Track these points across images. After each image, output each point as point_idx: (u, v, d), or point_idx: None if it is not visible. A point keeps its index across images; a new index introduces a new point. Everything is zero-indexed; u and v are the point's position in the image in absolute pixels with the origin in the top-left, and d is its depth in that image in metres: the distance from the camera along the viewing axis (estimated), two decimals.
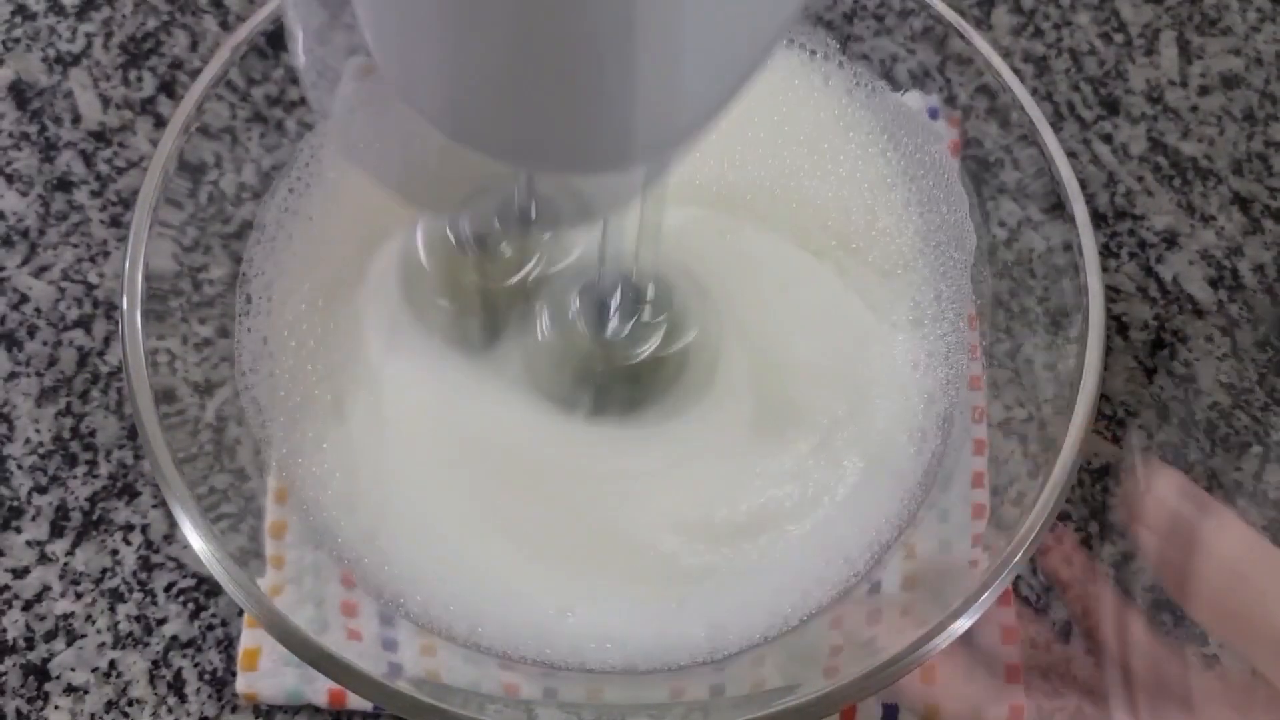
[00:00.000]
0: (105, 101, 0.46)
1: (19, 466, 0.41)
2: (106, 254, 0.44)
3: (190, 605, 0.39)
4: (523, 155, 0.26)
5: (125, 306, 0.36)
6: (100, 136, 0.45)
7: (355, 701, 0.37)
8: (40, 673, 0.38)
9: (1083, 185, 0.42)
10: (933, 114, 0.42)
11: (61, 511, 0.40)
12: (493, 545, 0.37)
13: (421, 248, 0.39)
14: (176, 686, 0.38)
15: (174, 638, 0.39)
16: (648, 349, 0.38)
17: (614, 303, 0.37)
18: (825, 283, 0.40)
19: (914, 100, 0.42)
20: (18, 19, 0.47)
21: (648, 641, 0.37)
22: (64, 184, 0.44)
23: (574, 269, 0.39)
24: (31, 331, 0.42)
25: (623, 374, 0.38)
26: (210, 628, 0.39)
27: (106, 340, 0.42)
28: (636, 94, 0.23)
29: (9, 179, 0.44)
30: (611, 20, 0.21)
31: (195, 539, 0.33)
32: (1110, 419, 0.44)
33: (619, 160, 0.25)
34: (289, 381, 0.39)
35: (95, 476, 0.41)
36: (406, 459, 0.38)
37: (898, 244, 0.41)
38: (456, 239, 0.39)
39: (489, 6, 0.21)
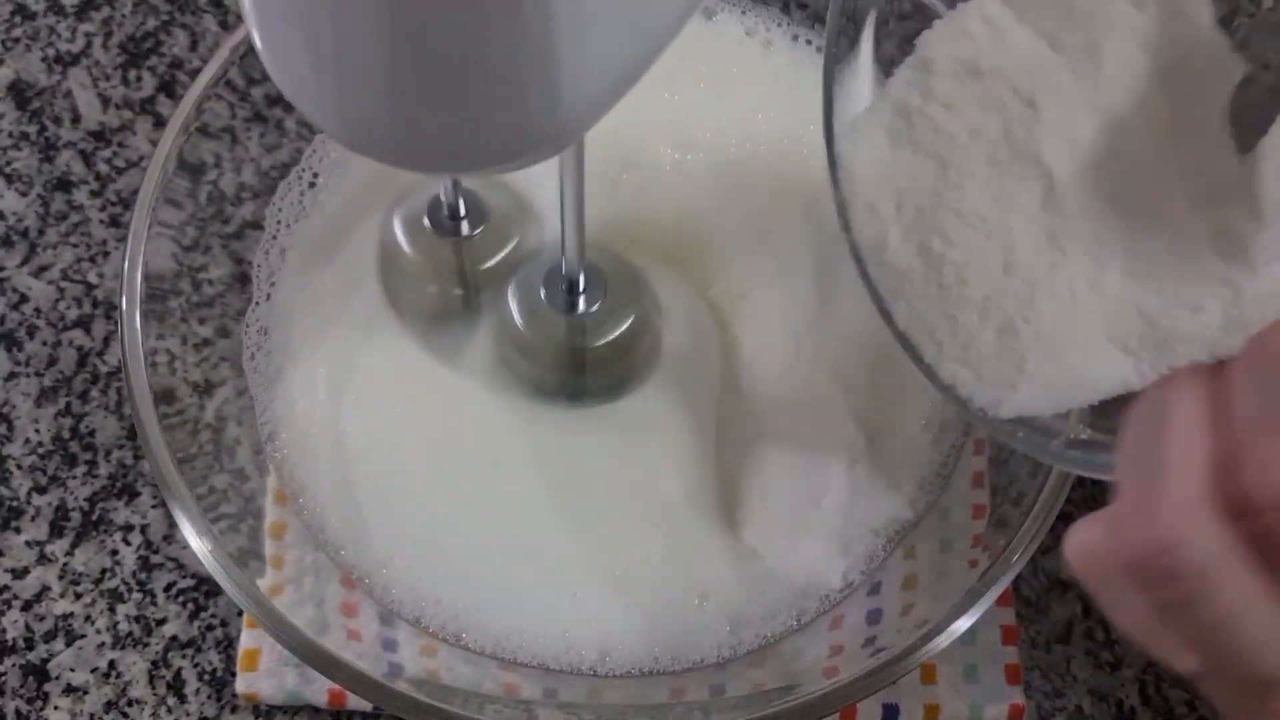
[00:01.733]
0: (105, 101, 0.46)
1: (19, 466, 0.41)
2: (106, 254, 0.43)
3: (190, 605, 0.39)
4: (421, 159, 0.25)
5: (125, 306, 0.36)
6: (100, 136, 0.45)
7: (355, 702, 0.37)
8: (40, 673, 0.38)
9: None
10: None
11: (61, 512, 0.40)
12: (500, 547, 0.37)
13: (400, 236, 0.40)
14: (176, 687, 0.38)
15: (174, 638, 0.39)
16: (616, 331, 0.38)
17: (580, 284, 0.37)
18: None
19: None
20: (17, 19, 0.47)
21: (671, 641, 0.37)
22: (64, 184, 0.44)
23: (548, 254, 0.39)
24: (31, 331, 0.42)
25: (598, 357, 0.39)
26: (210, 628, 0.39)
27: (106, 340, 0.42)
28: (530, 82, 0.22)
29: (9, 179, 0.44)
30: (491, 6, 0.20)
31: (195, 539, 0.33)
32: None
33: (527, 153, 0.24)
34: (282, 371, 0.39)
35: (95, 476, 0.41)
36: (402, 459, 0.39)
37: None
38: (433, 225, 0.39)
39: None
